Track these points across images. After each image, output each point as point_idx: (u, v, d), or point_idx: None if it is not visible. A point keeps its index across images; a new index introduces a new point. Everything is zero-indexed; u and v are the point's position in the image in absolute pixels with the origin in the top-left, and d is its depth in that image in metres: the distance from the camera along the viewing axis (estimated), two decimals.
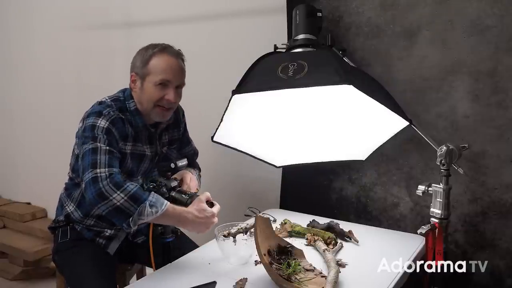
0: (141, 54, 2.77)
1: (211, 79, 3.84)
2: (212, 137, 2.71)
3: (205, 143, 3.15)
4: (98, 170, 2.50)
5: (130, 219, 2.43)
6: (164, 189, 2.56)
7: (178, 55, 2.78)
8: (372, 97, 2.30)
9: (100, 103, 2.78)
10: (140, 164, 2.88)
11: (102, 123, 2.64)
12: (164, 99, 2.73)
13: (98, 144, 2.58)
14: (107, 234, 2.95)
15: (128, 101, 2.83)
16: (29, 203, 5.86)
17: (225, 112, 2.57)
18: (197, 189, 2.87)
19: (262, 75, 2.47)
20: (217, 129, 2.65)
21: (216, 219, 2.52)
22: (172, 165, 2.62)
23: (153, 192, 2.52)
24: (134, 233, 3.08)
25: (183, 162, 2.69)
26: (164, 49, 2.75)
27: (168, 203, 2.50)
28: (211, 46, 3.86)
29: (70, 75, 4.99)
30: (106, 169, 2.52)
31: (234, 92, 2.43)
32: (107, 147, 2.59)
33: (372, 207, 3.18)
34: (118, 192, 2.42)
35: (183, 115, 3.19)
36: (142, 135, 2.86)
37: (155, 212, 2.44)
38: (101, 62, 4.60)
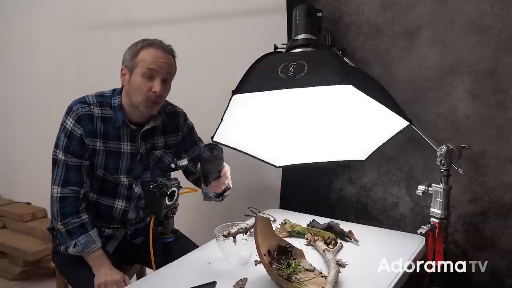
0: (131, 48, 2.83)
1: (211, 79, 3.84)
2: (212, 137, 2.72)
3: (205, 143, 3.16)
4: (54, 190, 2.84)
5: (63, 246, 2.86)
6: (164, 189, 2.52)
7: (166, 49, 2.82)
8: (372, 97, 2.30)
9: (80, 98, 2.89)
10: (118, 161, 2.92)
11: (68, 122, 2.82)
12: (151, 91, 2.75)
13: (58, 153, 2.84)
14: (105, 233, 3.00)
15: (114, 97, 2.90)
16: (29, 203, 5.86)
17: (225, 112, 2.58)
18: (193, 189, 2.86)
19: (262, 75, 2.47)
20: (217, 129, 2.66)
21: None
22: (172, 165, 2.60)
23: (90, 233, 2.81)
24: (132, 233, 3.12)
25: (183, 162, 2.65)
26: (152, 43, 2.80)
27: (97, 249, 2.81)
28: (211, 46, 3.86)
29: (69, 75, 5.00)
30: (59, 189, 2.82)
31: (234, 92, 2.43)
32: (64, 157, 2.82)
33: (372, 207, 3.18)
34: (60, 222, 2.80)
35: (185, 119, 3.17)
36: (122, 132, 2.90)
37: (77, 252, 2.79)
38: (100, 62, 4.60)
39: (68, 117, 2.80)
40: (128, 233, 3.10)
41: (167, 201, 2.54)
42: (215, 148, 2.58)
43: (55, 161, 2.83)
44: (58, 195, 2.78)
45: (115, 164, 2.90)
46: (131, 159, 2.93)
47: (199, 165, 2.71)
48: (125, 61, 2.83)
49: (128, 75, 2.81)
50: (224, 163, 2.74)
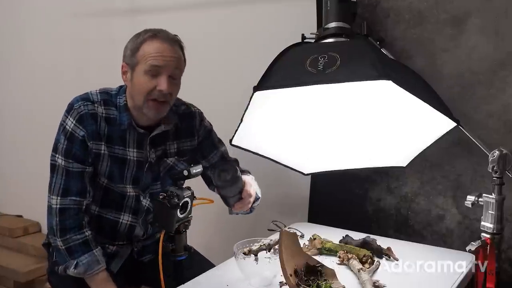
0: (132, 41, 2.78)
1: (229, 74, 3.84)
2: (231, 140, 2.73)
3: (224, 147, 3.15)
4: (52, 200, 2.80)
5: (62, 266, 2.82)
6: (176, 200, 2.48)
7: (172, 41, 2.75)
8: (414, 94, 2.31)
9: (82, 94, 2.85)
10: (123, 169, 2.89)
11: (69, 123, 2.78)
12: (156, 90, 2.69)
13: (57, 158, 2.81)
14: (108, 250, 2.97)
15: (120, 96, 2.87)
16: (20, 216, 5.86)
17: (245, 111, 2.60)
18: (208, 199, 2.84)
19: (288, 69, 2.48)
20: (236, 130, 2.67)
21: None
22: (185, 172, 2.54)
23: (94, 252, 2.79)
24: (139, 250, 3.09)
25: (197, 169, 2.58)
26: (155, 34, 2.73)
27: (101, 271, 2.79)
28: (228, 35, 3.87)
29: (68, 69, 5.00)
30: (59, 199, 2.78)
31: (256, 88, 2.45)
32: (64, 162, 2.78)
33: (414, 220, 3.19)
34: (60, 238, 2.77)
35: (202, 120, 3.12)
36: (128, 136, 2.87)
37: (78, 273, 2.76)
38: (103, 54, 4.61)
39: (69, 117, 2.77)
40: (135, 250, 3.06)
41: (178, 213, 2.50)
42: (226, 170, 2.56)
43: (53, 167, 2.80)
44: (58, 206, 2.76)
45: (120, 172, 2.88)
46: (138, 167, 2.91)
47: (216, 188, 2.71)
48: (126, 57, 2.79)
49: (130, 73, 2.77)
50: (245, 177, 2.73)
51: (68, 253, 2.76)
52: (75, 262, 2.74)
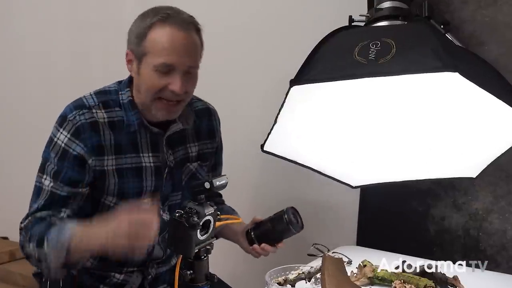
0: (137, 25, 2.72)
1: (258, 65, 3.83)
2: (262, 146, 2.73)
3: (250, 153, 3.16)
4: (23, 223, 2.75)
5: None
6: (196, 218, 2.39)
7: (187, 26, 2.69)
8: (486, 90, 2.31)
9: (75, 101, 2.79)
10: (140, 182, 2.85)
11: (61, 137, 2.69)
12: (167, 89, 2.65)
13: (44, 179, 2.72)
14: (114, 280, 2.95)
15: (122, 91, 2.83)
16: (5, 238, 5.92)
17: (280, 110, 2.59)
18: (235, 218, 2.86)
19: (333, 59, 2.48)
20: (269, 134, 2.66)
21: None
22: (207, 185, 2.42)
23: (57, 225, 2.60)
24: (153, 279, 3.05)
25: (221, 180, 2.46)
26: (167, 18, 2.65)
27: (71, 230, 2.54)
28: (259, 18, 3.87)
29: (63, 60, 5.02)
30: (29, 218, 2.71)
31: (293, 82, 2.44)
32: (51, 186, 2.69)
33: (487, 243, 3.18)
34: (27, 244, 2.65)
35: (219, 122, 3.17)
36: (140, 139, 2.83)
37: (54, 249, 2.53)
38: (107, 40, 4.63)
39: (61, 130, 2.70)
40: (148, 279, 3.02)
41: (199, 234, 2.41)
42: (299, 213, 2.63)
43: (38, 191, 2.73)
44: (28, 225, 2.70)
45: (136, 186, 2.83)
46: (157, 175, 2.88)
47: (265, 225, 2.75)
48: (131, 43, 2.74)
49: (136, 64, 2.72)
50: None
51: (40, 246, 2.58)
52: (44, 245, 2.56)
